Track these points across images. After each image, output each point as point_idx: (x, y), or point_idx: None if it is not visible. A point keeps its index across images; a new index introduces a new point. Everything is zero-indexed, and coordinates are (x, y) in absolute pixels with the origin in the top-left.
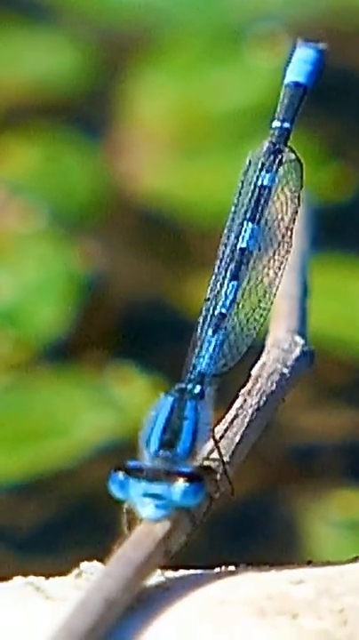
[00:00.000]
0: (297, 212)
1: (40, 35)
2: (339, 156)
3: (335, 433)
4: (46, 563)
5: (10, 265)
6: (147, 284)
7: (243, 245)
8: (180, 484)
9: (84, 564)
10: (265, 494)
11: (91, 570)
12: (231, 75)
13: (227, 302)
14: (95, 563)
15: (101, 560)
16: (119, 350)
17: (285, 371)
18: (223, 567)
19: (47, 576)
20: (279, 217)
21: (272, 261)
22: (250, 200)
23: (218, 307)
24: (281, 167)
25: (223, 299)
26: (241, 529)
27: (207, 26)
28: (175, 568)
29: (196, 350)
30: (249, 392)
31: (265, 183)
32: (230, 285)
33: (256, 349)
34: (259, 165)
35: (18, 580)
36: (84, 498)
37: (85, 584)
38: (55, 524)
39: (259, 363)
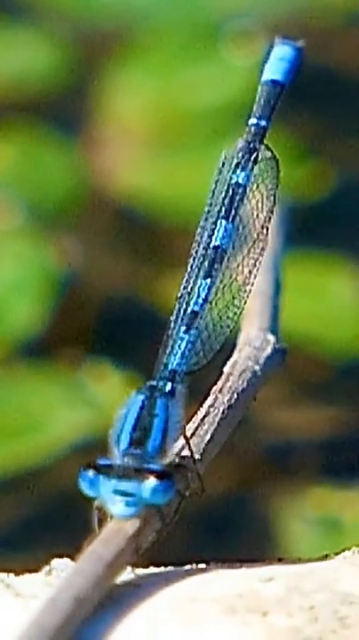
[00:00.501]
0: (272, 211)
1: (17, 31)
2: (315, 153)
3: (310, 430)
4: (20, 560)
5: None
6: (123, 281)
7: (217, 243)
8: (150, 481)
9: (55, 561)
10: (240, 492)
11: (61, 567)
12: (208, 72)
13: (200, 300)
14: (66, 560)
15: (72, 557)
16: (94, 347)
17: (257, 368)
18: (194, 565)
19: (18, 572)
20: (254, 215)
21: (246, 259)
22: (224, 198)
23: (190, 305)
24: (256, 165)
25: (196, 297)
26: (216, 526)
27: (184, 23)
28: (145, 565)
29: (168, 348)
30: (220, 390)
31: (239, 181)
32: (203, 283)
33: (228, 347)
34: (234, 163)
35: None
36: (59, 495)
37: (56, 581)
38: (29, 521)
39: (231, 360)
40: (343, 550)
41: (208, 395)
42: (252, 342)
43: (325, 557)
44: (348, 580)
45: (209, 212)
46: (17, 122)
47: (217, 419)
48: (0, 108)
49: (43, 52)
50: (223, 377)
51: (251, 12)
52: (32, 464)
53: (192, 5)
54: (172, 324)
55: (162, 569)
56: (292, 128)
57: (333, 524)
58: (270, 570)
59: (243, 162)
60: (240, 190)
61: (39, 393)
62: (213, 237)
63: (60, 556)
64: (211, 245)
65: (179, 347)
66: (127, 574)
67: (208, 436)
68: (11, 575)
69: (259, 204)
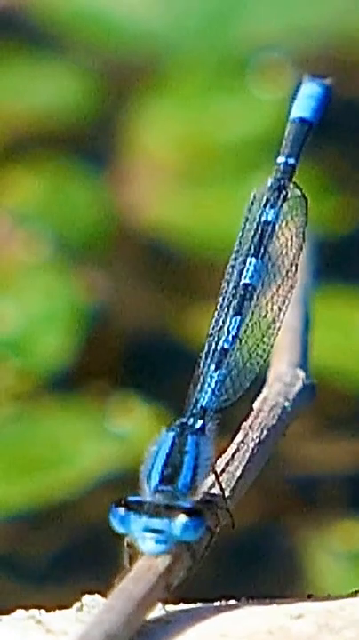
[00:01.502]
0: (301, 248)
1: (45, 65)
2: (341, 187)
3: (337, 464)
4: (49, 594)
5: (14, 295)
6: (151, 315)
7: (247, 281)
8: (181, 518)
9: (86, 598)
10: (267, 525)
11: (92, 603)
12: (235, 105)
13: (230, 338)
14: (96, 596)
15: (103, 594)
16: (122, 381)
17: (287, 404)
18: (224, 601)
19: (49, 608)
20: (283, 252)
21: (276, 297)
22: (253, 236)
23: (220, 342)
24: (285, 203)
25: (226, 334)
26: (243, 560)
27: (212, 56)
28: (176, 601)
29: (198, 385)
30: (250, 426)
31: (269, 219)
32: (233, 321)
33: (258, 382)
34: (264, 201)
35: (19, 612)
36: (87, 529)
37: (86, 617)
38: (58, 555)
39: (261, 396)
40: None
41: (238, 430)
42: (282, 378)
43: (355, 594)
44: None
45: (238, 249)
46: (45, 155)
47: (247, 455)
48: (29, 141)
49: (72, 85)
50: (253, 413)
51: (279, 46)
52: (60, 497)
53: (220, 38)
54: (202, 362)
55: (192, 605)
56: (319, 162)
57: None
58: (300, 606)
59: (272, 200)
60: (269, 228)
61: (67, 426)
62: (243, 275)
63: (91, 592)
64: (241, 283)
65: (209, 384)
66: (157, 611)
67: (238, 473)
68: (42, 611)
69: (289, 242)
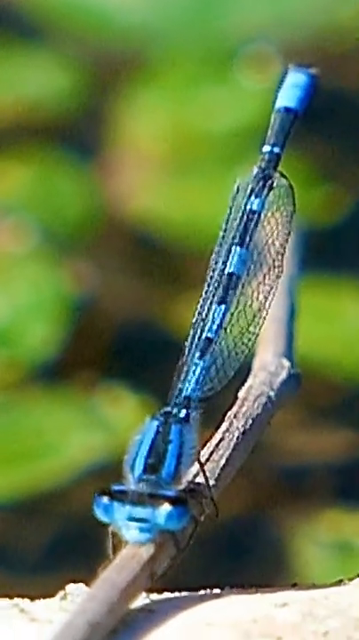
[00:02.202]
0: (288, 238)
1: (32, 55)
2: (329, 177)
3: (324, 453)
4: (35, 584)
5: (1, 285)
6: (138, 304)
7: (231, 270)
8: (165, 507)
9: (70, 587)
10: (254, 515)
11: (76, 592)
12: (223, 96)
13: (214, 327)
14: (81, 585)
15: (87, 583)
16: (109, 371)
17: (272, 394)
18: (208, 590)
19: (33, 597)
20: (270, 242)
21: (261, 286)
22: (238, 225)
23: (204, 331)
24: (271, 192)
25: (210, 323)
26: (230, 550)
27: (199, 47)
28: (160, 591)
29: (182, 374)
30: (235, 415)
31: (254, 208)
32: (217, 310)
33: (243, 372)
34: (249, 190)
35: (3, 601)
36: (74, 518)
37: (70, 606)
38: (45, 545)
39: (246, 385)
40: (357, 575)
41: (223, 420)
42: (267, 367)
43: (339, 583)
44: None
45: (223, 238)
46: (32, 145)
47: (232, 444)
48: (15, 132)
49: (58, 75)
50: (238, 402)
51: (266, 36)
52: (46, 487)
53: (208, 29)
54: (187, 351)
55: (176, 594)
56: (306, 153)
57: (347, 547)
58: (284, 595)
59: (257, 189)
60: (254, 217)
61: (54, 416)
62: (228, 264)
63: (75, 582)
64: (226, 272)
65: (194, 373)
66: (141, 600)
67: (223, 462)
68: (27, 600)
69: (275, 232)
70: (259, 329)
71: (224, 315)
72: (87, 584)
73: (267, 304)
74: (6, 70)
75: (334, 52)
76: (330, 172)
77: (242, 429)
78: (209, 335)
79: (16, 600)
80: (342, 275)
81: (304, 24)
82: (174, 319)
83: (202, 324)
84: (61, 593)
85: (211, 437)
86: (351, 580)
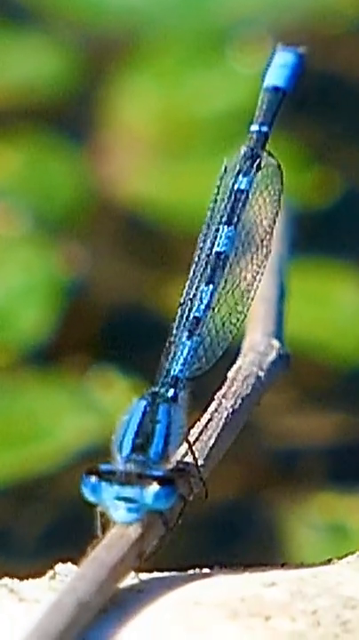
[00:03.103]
0: (277, 216)
1: (24, 38)
2: (321, 160)
3: (316, 436)
4: (25, 565)
5: None
6: (129, 288)
7: (219, 249)
8: (152, 487)
9: (59, 566)
10: (246, 497)
11: (65, 572)
12: (215, 79)
13: (202, 306)
14: (69, 565)
15: (76, 562)
16: (101, 354)
17: (261, 374)
18: (197, 570)
19: (22, 577)
20: (258, 221)
21: (250, 265)
22: (226, 204)
23: (192, 311)
24: (258, 171)
25: (198, 303)
26: (221, 532)
27: (191, 30)
28: (149, 570)
29: (170, 354)
30: (224, 395)
31: (242, 187)
32: (205, 289)
33: (232, 352)
34: (236, 170)
35: None
36: (66, 502)
37: (59, 586)
38: (37, 528)
39: (235, 366)
40: (346, 555)
41: (212, 400)
42: (256, 347)
43: (328, 562)
44: (351, 585)
45: (211, 218)
46: (23, 129)
47: (221, 424)
48: (6, 115)
49: (50, 59)
50: (227, 382)
51: (258, 19)
52: (38, 471)
53: (199, 12)
54: (175, 331)
55: (165, 574)
56: (298, 135)
57: (338, 529)
58: (273, 574)
59: (245, 168)
60: (242, 196)
61: (46, 400)
62: (215, 243)
63: (64, 561)
64: (213, 251)
65: (182, 353)
66: (130, 579)
67: (212, 442)
68: (16, 580)
69: (263, 211)
70: (248, 309)
71: (212, 294)
72: (76, 564)
73: (256, 284)
74: None
75: (325, 33)
76: (321, 154)
77: (231, 409)
78: (197, 315)
79: (5, 580)
80: (334, 257)
81: (295, 6)
82: (166, 302)
83: (189, 303)
84: (50, 572)
85: (199, 417)
86: (340, 559)
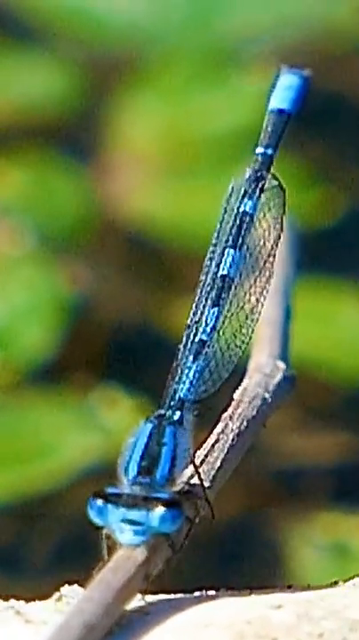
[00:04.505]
0: (279, 239)
1: (29, 57)
2: (325, 179)
3: (320, 455)
4: (30, 586)
5: None
6: (134, 306)
7: (224, 272)
8: (158, 510)
9: (65, 588)
10: (250, 517)
11: (71, 594)
12: (220, 98)
13: (208, 329)
14: (76, 587)
15: (82, 584)
16: (105, 373)
17: (267, 395)
18: (203, 591)
19: (31, 599)
20: (261, 243)
21: (254, 288)
22: (231, 227)
23: (198, 333)
24: (263, 194)
25: (204, 325)
26: (225, 551)
27: (196, 49)
28: (155, 592)
29: (176, 376)
30: (230, 417)
31: (247, 210)
32: (211, 312)
33: (238, 373)
34: (242, 192)
35: None
36: (70, 520)
37: (66, 608)
38: (41, 546)
39: (241, 387)
40: (352, 577)
41: (218, 421)
42: (262, 369)
43: (335, 584)
44: (357, 607)
45: (217, 240)
46: (28, 147)
47: (226, 446)
48: (11, 134)
49: (55, 77)
50: (233, 404)
51: (262, 38)
52: (42, 489)
53: (203, 31)
54: (181, 353)
55: (171, 596)
56: (302, 154)
57: (342, 549)
58: (279, 597)
59: (250, 191)
60: (247, 219)
61: (50, 418)
62: (221, 266)
63: (71, 583)
64: (219, 274)
65: (188, 375)
66: (137, 601)
67: (218, 463)
68: (22, 602)
69: (266, 233)
70: (252, 331)
71: (217, 317)
72: (82, 586)
73: (260, 306)
74: (2, 72)
75: (331, 53)
76: (326, 173)
77: (237, 431)
78: (202, 337)
79: (11, 602)
80: (338, 277)
81: (301, 26)
82: (170, 321)
83: (195, 326)
84: (56, 594)
85: (206, 439)
86: (346, 581)
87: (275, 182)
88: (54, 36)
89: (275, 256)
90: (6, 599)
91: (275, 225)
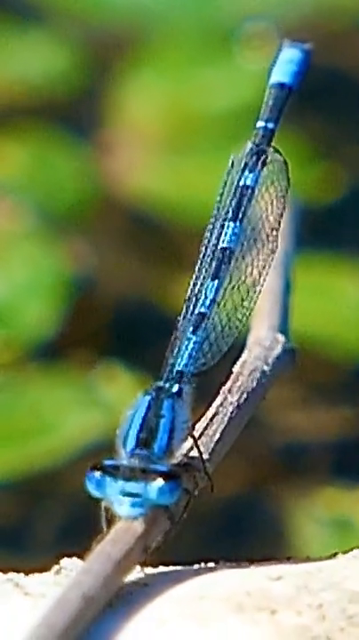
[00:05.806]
0: (283, 214)
1: (30, 35)
2: (327, 155)
3: (321, 431)
4: (30, 560)
5: None
6: (135, 283)
7: (224, 245)
8: (157, 482)
9: (64, 561)
10: (252, 492)
11: (70, 566)
12: (221, 75)
13: (207, 302)
14: (75, 559)
15: (81, 557)
16: (107, 349)
17: (266, 368)
18: (202, 564)
19: (27, 572)
20: (264, 217)
21: (256, 261)
22: (232, 200)
23: (198, 306)
24: (264, 167)
25: (203, 298)
26: (227, 527)
27: (197, 26)
28: (155, 565)
29: (175, 349)
30: (229, 390)
31: (247, 183)
32: (210, 285)
33: (238, 346)
34: (242, 165)
35: None
36: (71, 496)
37: (65, 580)
38: (41, 524)
39: (241, 360)
40: (352, 549)
41: (217, 394)
42: (262, 342)
43: (334, 556)
44: (357, 579)
45: (217, 214)
46: (29, 125)
47: (226, 418)
48: (12, 111)
49: (56, 55)
50: (232, 376)
51: (264, 15)
52: (43, 466)
53: (205, 8)
54: (180, 325)
55: (171, 568)
56: (304, 130)
57: (344, 524)
58: (279, 569)
59: (251, 164)
60: (248, 192)
61: (51, 395)
62: (221, 239)
63: (70, 556)
64: (219, 247)
65: (187, 348)
66: (136, 573)
67: (217, 436)
68: (21, 574)
69: (269, 207)
70: (253, 304)
71: (217, 290)
72: (81, 559)
73: (261, 279)
74: (3, 50)
75: (332, 30)
76: (327, 149)
77: (236, 404)
78: (202, 310)
79: (10, 574)
80: (339, 252)
81: (301, 3)
82: (171, 297)
83: (195, 299)
84: (56, 567)
85: (205, 412)
86: (345, 553)
87: (279, 156)
88: (55, 15)
89: (278, 230)
90: (5, 572)
91: (278, 199)
